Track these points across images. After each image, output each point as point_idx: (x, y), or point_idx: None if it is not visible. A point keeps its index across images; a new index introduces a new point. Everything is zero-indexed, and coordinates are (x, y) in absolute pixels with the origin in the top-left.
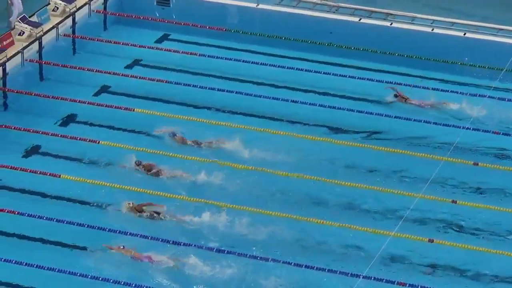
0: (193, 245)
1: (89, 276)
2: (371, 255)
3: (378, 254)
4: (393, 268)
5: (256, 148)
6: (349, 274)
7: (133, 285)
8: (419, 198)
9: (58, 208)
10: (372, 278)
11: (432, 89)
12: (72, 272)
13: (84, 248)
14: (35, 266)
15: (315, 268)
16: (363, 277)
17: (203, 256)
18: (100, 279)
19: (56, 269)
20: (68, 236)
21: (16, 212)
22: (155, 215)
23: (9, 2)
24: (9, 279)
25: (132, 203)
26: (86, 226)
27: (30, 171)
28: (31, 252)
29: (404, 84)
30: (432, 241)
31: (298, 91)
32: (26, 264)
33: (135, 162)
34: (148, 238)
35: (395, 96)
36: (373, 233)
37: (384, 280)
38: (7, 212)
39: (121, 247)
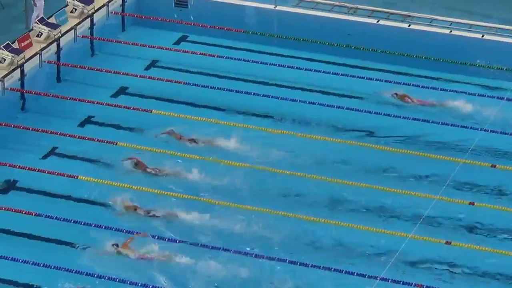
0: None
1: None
2: (388, 257)
3: (395, 256)
4: (410, 270)
5: (276, 149)
6: (366, 276)
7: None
8: (437, 199)
9: (75, 209)
10: (389, 280)
11: (450, 90)
12: (80, 271)
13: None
14: (52, 267)
15: (332, 269)
16: (380, 279)
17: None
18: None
19: (73, 270)
20: (84, 236)
21: (34, 213)
22: (150, 213)
23: (33, 3)
24: (27, 280)
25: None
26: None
27: (47, 172)
28: (47, 252)
29: (421, 86)
30: (450, 243)
31: (316, 92)
32: (43, 265)
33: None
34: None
35: (396, 94)
36: (390, 234)
37: (401, 282)
38: (24, 213)
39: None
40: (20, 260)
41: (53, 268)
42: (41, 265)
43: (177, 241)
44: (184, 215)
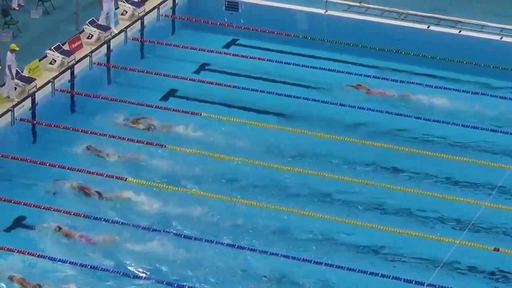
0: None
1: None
2: (437, 263)
3: (443, 261)
4: (457, 276)
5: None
6: (413, 282)
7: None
8: (485, 206)
9: None
10: (437, 286)
11: (500, 97)
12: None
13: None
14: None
15: (379, 275)
16: (427, 285)
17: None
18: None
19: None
20: None
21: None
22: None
23: (100, 6)
24: None
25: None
26: None
27: (96, 174)
28: None
29: (471, 92)
30: (498, 249)
31: (365, 96)
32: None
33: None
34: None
35: (358, 86)
36: (439, 241)
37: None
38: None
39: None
40: None
41: None
42: None
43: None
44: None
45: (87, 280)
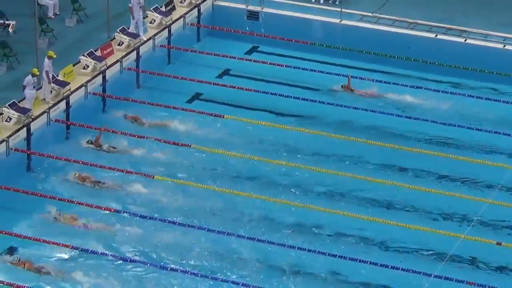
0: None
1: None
2: (442, 256)
3: (449, 254)
4: (462, 268)
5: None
6: (421, 273)
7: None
8: (489, 203)
9: None
10: (443, 278)
11: (503, 101)
12: None
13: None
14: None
15: (389, 266)
16: (434, 276)
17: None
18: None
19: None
20: None
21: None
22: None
23: (132, 16)
24: None
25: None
26: None
27: (126, 172)
28: None
29: (477, 97)
30: (500, 244)
31: (378, 102)
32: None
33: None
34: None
35: (342, 86)
36: (444, 235)
37: (454, 280)
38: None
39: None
40: None
41: None
42: None
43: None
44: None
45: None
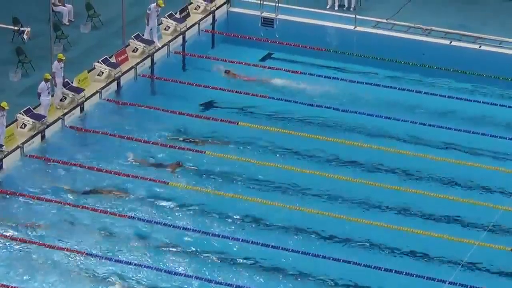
0: None
1: None
2: (456, 262)
3: (464, 261)
4: (476, 275)
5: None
6: (435, 280)
7: None
8: (504, 210)
9: None
10: (458, 284)
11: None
12: None
13: None
14: None
15: (404, 273)
16: (448, 283)
17: None
18: None
19: None
20: None
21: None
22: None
23: (146, 22)
24: None
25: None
26: None
27: (141, 178)
28: None
29: (490, 103)
30: None
31: (393, 108)
32: None
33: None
34: None
35: (226, 72)
36: (459, 241)
37: (469, 286)
38: None
39: None
40: None
41: None
42: None
43: None
44: None
45: None
